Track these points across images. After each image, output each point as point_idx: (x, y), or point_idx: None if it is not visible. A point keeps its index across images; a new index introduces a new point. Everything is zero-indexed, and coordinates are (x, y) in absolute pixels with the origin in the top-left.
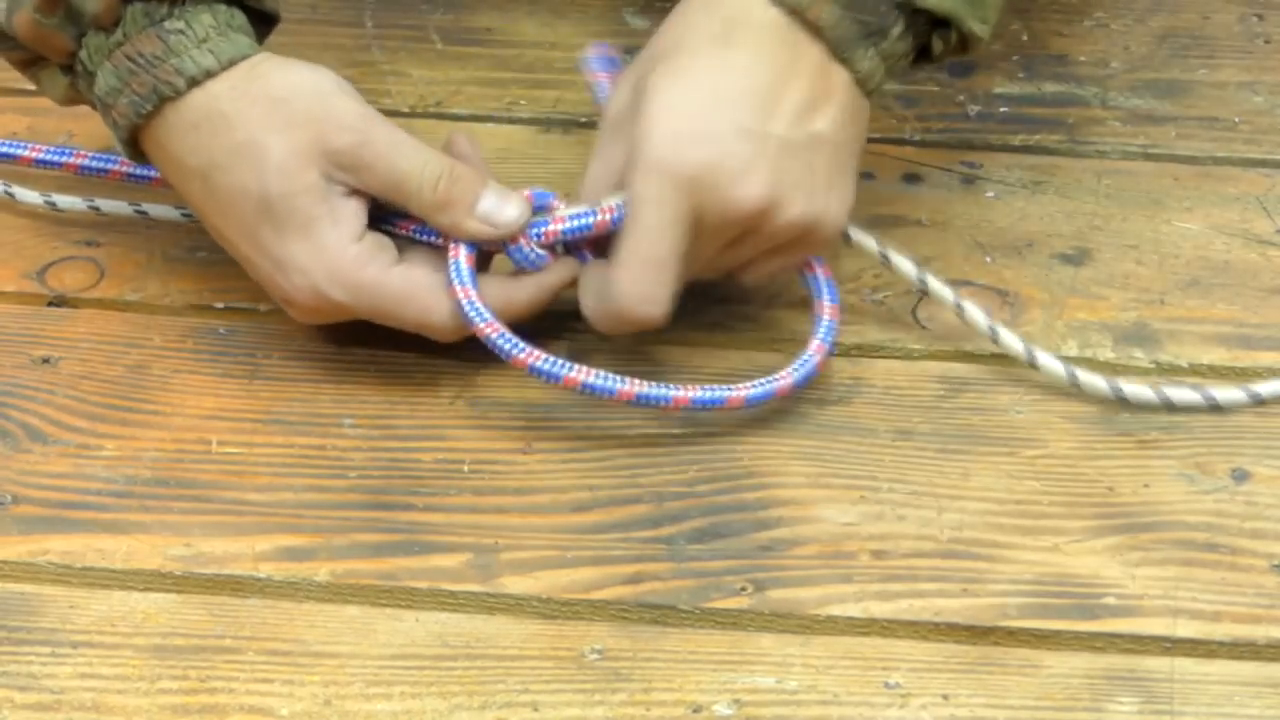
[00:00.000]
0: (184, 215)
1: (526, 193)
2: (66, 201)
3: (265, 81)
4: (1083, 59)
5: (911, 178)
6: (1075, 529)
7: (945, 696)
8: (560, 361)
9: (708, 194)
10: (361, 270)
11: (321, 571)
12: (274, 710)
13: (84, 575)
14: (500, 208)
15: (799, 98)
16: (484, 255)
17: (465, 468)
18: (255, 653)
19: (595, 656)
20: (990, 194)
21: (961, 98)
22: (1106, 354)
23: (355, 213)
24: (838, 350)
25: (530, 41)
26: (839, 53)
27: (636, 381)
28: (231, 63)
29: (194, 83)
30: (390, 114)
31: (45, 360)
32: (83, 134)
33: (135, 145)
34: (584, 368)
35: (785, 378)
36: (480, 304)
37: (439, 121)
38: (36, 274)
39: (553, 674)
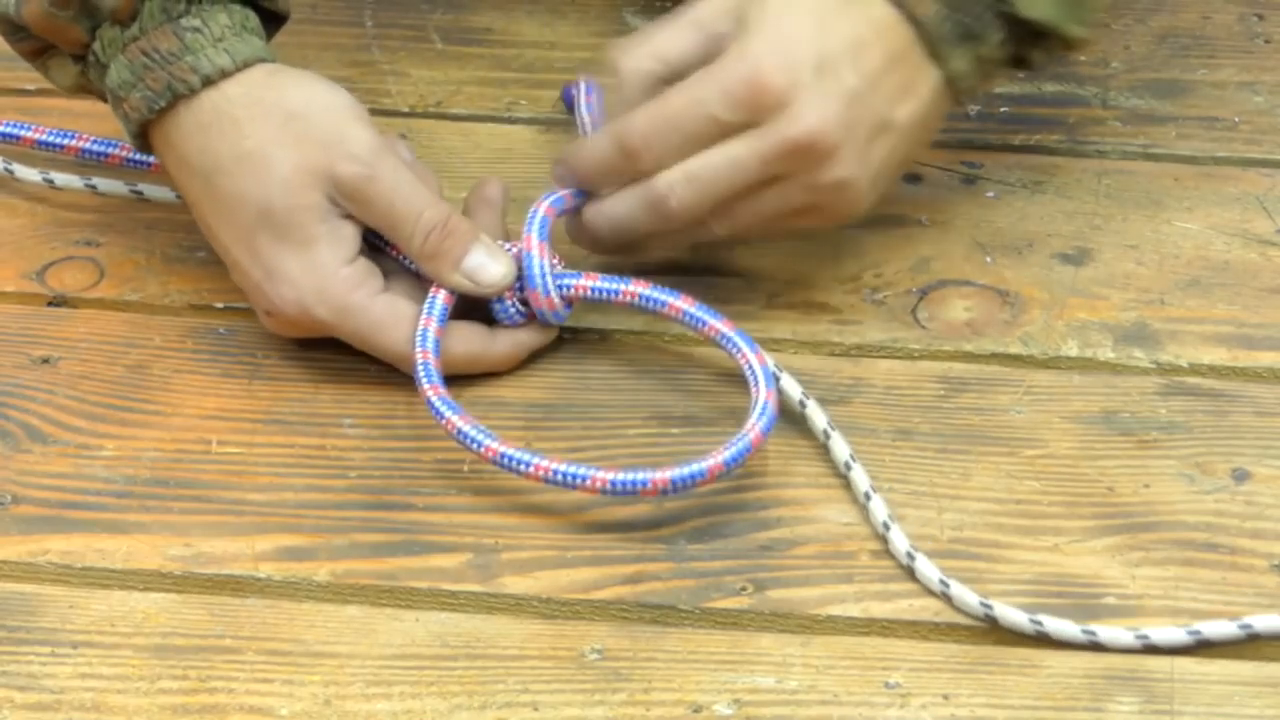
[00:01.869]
0: (179, 198)
1: (514, 249)
2: (64, 180)
3: (281, 93)
4: (1083, 59)
5: (911, 178)
6: (1075, 529)
7: (945, 696)
8: (477, 429)
9: (776, 104)
10: (349, 293)
11: (321, 571)
12: (274, 710)
13: (84, 575)
14: (487, 265)
15: (891, 77)
16: (475, 302)
17: (465, 468)
18: (255, 653)
19: (595, 656)
20: (990, 194)
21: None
22: (1107, 354)
23: (351, 236)
24: (839, 351)
25: (530, 41)
26: (935, 48)
27: (551, 459)
28: (246, 64)
29: (208, 82)
30: (390, 114)
31: (45, 360)
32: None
33: (144, 138)
34: (496, 442)
35: (716, 456)
36: (433, 335)
37: (439, 121)
38: (36, 274)
39: (553, 674)
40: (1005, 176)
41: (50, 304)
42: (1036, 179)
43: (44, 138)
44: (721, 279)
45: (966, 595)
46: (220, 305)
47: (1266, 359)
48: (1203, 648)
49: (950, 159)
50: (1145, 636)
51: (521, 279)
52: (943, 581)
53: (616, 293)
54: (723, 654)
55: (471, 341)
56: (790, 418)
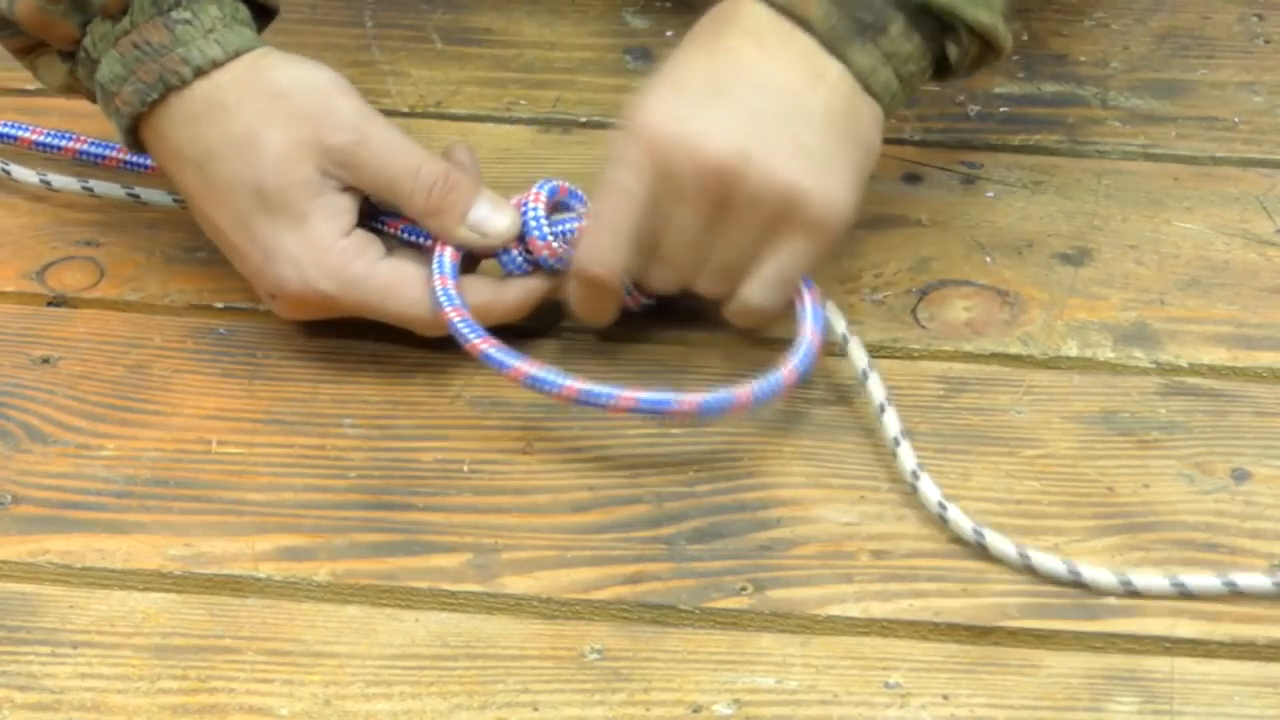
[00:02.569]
0: (176, 202)
1: (515, 200)
2: (61, 182)
3: (267, 75)
4: (1083, 59)
5: (911, 178)
6: (1075, 529)
7: (945, 696)
8: (511, 351)
9: (674, 146)
10: (350, 263)
11: (321, 571)
12: (274, 710)
13: (84, 575)
14: (492, 217)
15: (785, 75)
16: (472, 258)
17: (465, 468)
18: (255, 653)
19: (595, 656)
20: (990, 194)
21: (961, 98)
22: (1106, 354)
23: (347, 208)
24: (839, 351)
25: (530, 41)
26: (832, 47)
27: (581, 380)
28: (237, 54)
29: (200, 72)
30: (390, 114)
31: (45, 360)
32: (83, 133)
33: (135, 134)
34: (532, 360)
35: (747, 385)
36: (454, 291)
37: (439, 121)
38: (36, 274)
39: (553, 674)
40: (1005, 176)
41: (50, 304)
42: (1036, 179)
43: (42, 139)
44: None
45: (1002, 544)
46: (220, 305)
47: (1266, 359)
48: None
49: (950, 159)
50: (1077, 574)
51: (524, 231)
52: (976, 531)
53: None
54: (723, 654)
55: (482, 293)
56: (791, 417)
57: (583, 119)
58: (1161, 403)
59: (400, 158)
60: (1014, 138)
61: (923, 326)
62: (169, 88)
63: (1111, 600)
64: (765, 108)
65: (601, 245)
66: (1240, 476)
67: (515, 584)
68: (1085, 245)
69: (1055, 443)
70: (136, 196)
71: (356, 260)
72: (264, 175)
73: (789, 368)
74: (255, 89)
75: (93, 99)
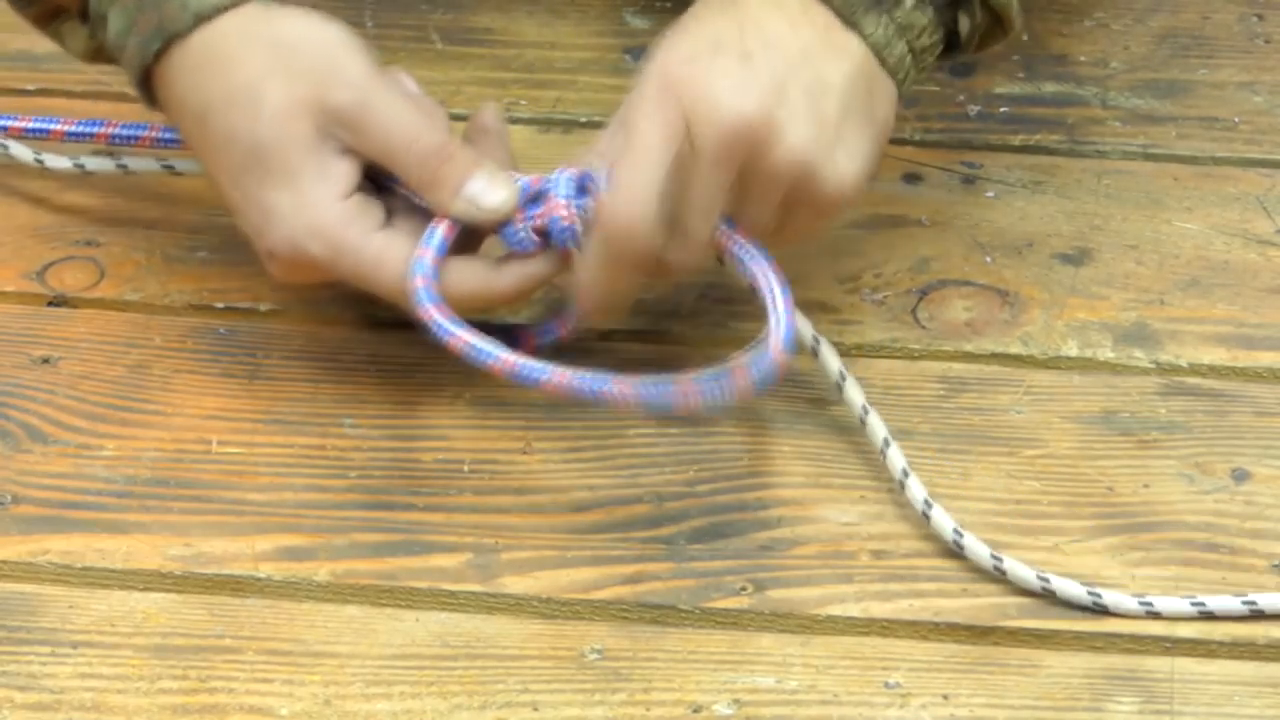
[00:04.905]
0: (164, 167)
1: (536, 176)
2: (53, 160)
3: (273, 25)
4: (1083, 59)
5: (911, 178)
6: (1075, 529)
7: (945, 696)
8: (462, 324)
9: (700, 104)
10: (344, 229)
11: (321, 571)
12: (274, 710)
13: (84, 575)
14: (488, 191)
15: (807, 44)
16: (475, 235)
17: (465, 468)
18: (255, 653)
19: (595, 656)
20: (990, 194)
21: (961, 98)
22: (1106, 354)
23: (347, 172)
24: (839, 351)
25: (530, 41)
26: (848, 19)
27: (571, 370)
28: (239, 0)
29: (201, 18)
30: None
31: (45, 360)
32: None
33: (149, 89)
34: (478, 333)
35: (739, 360)
36: (431, 264)
37: None
38: (36, 274)
39: (553, 674)
40: (1005, 176)
41: (50, 304)
42: (1036, 179)
43: (74, 129)
44: (722, 279)
45: (1020, 569)
46: (220, 305)
47: (1266, 359)
48: (1205, 619)
49: (950, 159)
50: (1149, 604)
51: (543, 195)
52: (994, 557)
53: None
54: (723, 654)
55: (473, 277)
56: (791, 418)
57: (583, 119)
58: (1161, 403)
59: (400, 125)
60: (1014, 138)
61: (923, 326)
62: (170, 36)
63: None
64: (788, 76)
65: (634, 197)
66: (1240, 476)
67: (515, 584)
68: (1085, 245)
69: (1055, 443)
70: (171, 167)
71: (350, 227)
72: (260, 130)
73: (743, 369)
74: (259, 39)
75: (117, 61)
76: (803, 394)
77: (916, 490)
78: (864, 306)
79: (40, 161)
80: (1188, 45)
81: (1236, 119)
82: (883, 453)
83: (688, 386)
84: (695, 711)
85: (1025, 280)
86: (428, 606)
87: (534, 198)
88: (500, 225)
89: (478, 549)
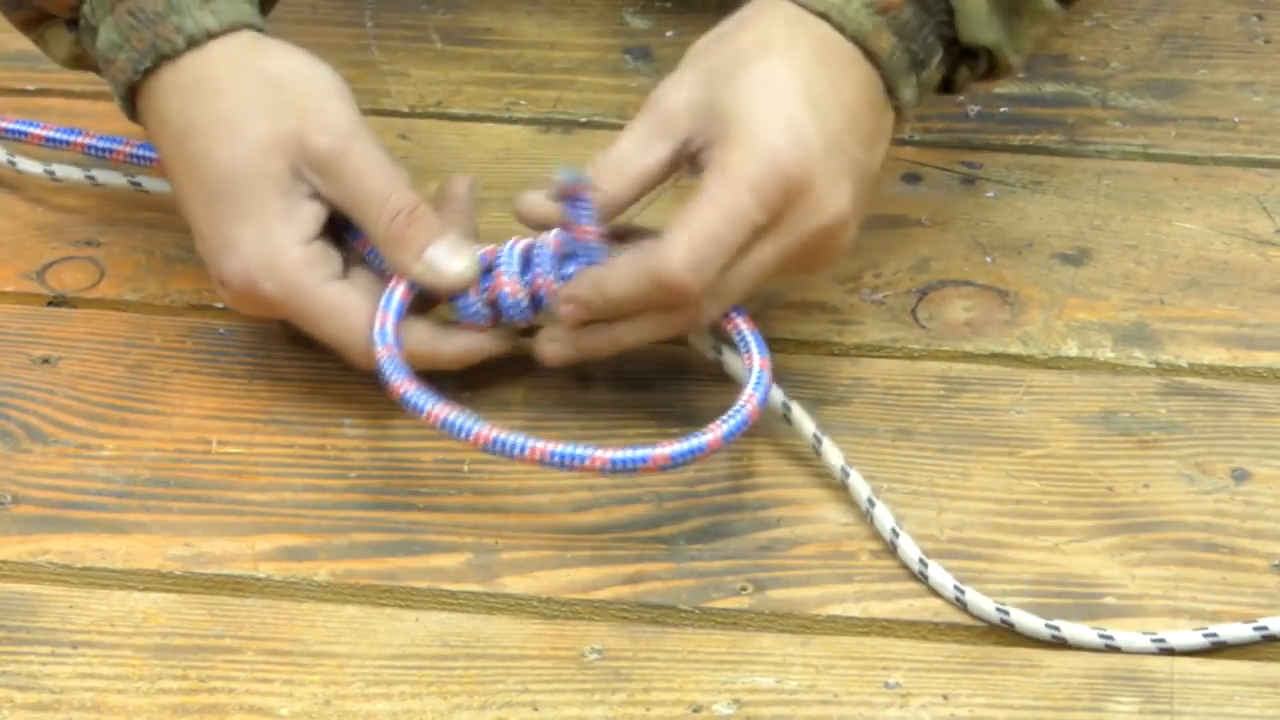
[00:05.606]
0: (132, 183)
1: (491, 249)
2: (65, 171)
3: (264, 60)
4: (1083, 59)
5: (911, 178)
6: (1075, 529)
7: (945, 696)
8: (431, 394)
9: (800, 194)
10: (300, 273)
11: (321, 571)
12: (274, 710)
13: (84, 575)
14: (449, 260)
15: (869, 126)
16: (431, 298)
17: (465, 468)
18: (255, 653)
19: (595, 656)
20: (990, 194)
21: (961, 98)
22: (1106, 354)
23: (312, 216)
24: (839, 351)
25: (530, 41)
26: (890, 81)
27: (548, 442)
28: (233, 26)
29: (193, 42)
30: (390, 114)
31: (45, 360)
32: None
33: (132, 103)
34: (450, 404)
35: (715, 430)
36: (391, 331)
37: (439, 121)
38: (36, 274)
39: (553, 674)
40: (1005, 176)
41: (50, 304)
42: (1036, 179)
43: (51, 134)
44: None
45: (982, 602)
46: (220, 305)
47: (1266, 359)
48: (1217, 650)
49: (950, 159)
50: (1161, 640)
51: (494, 269)
52: (957, 588)
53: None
54: (723, 654)
55: (421, 339)
56: (786, 415)
57: (583, 119)
58: (1161, 403)
59: (374, 179)
60: (1014, 138)
61: (923, 326)
62: (161, 57)
63: (1111, 600)
64: (861, 165)
65: (706, 257)
66: (1240, 476)
67: (515, 584)
68: (1085, 245)
69: (1055, 443)
70: (139, 184)
71: (306, 272)
72: (236, 160)
73: (752, 402)
74: (248, 71)
75: (97, 70)
76: (802, 394)
77: (885, 518)
78: (864, 306)
79: (51, 173)
80: (1188, 45)
81: (1236, 119)
82: (869, 512)
83: (661, 459)
84: (695, 711)
85: (1025, 280)
86: (427, 606)
87: (486, 269)
88: (454, 295)
89: (477, 549)
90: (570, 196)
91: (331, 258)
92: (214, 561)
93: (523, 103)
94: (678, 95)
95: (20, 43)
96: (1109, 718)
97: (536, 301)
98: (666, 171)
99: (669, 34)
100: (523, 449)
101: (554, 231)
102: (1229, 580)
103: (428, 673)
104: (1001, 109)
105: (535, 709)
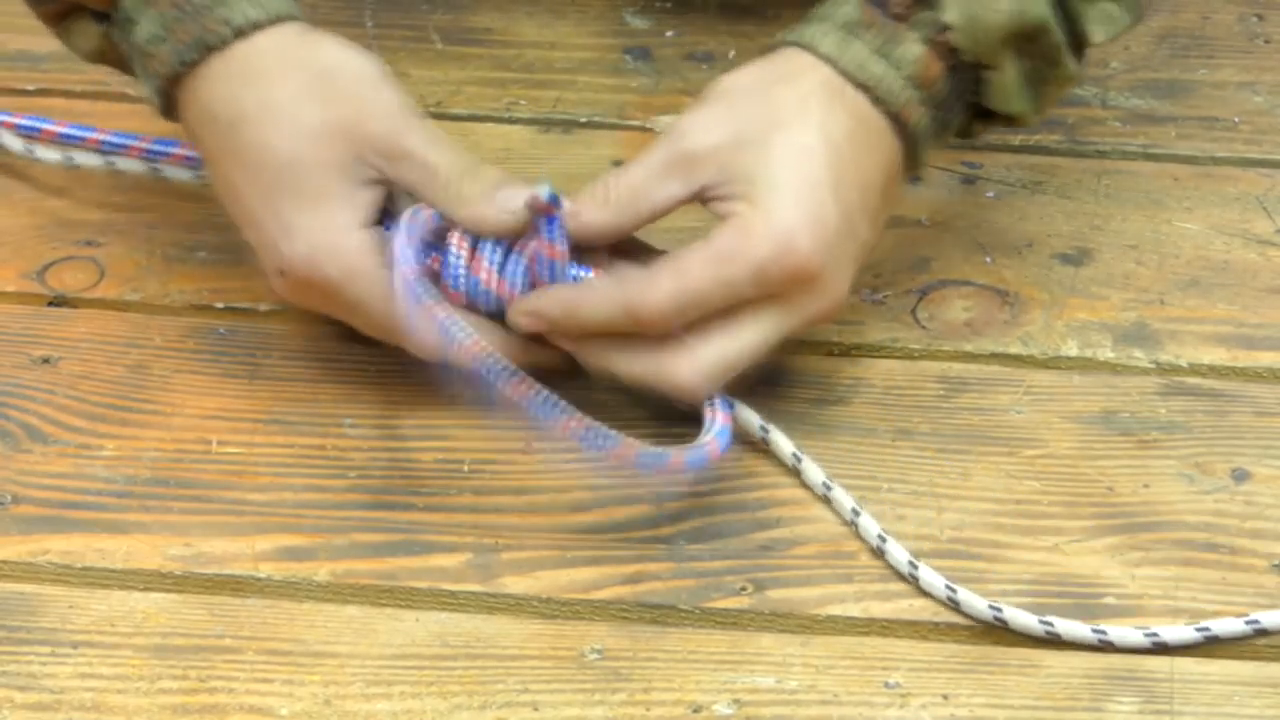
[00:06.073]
0: (198, 177)
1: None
2: (83, 158)
3: (314, 51)
4: None
5: (911, 178)
6: (1075, 529)
7: (945, 696)
8: (510, 370)
9: (807, 282)
10: (362, 256)
11: (321, 571)
12: (274, 710)
13: (84, 575)
14: (518, 196)
15: (882, 204)
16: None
17: (465, 468)
18: (255, 653)
19: (595, 656)
20: (990, 194)
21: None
22: (1106, 354)
23: (371, 202)
24: (839, 351)
25: (530, 41)
26: (914, 147)
27: (585, 418)
28: (278, 18)
29: (240, 33)
30: None
31: (45, 360)
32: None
33: (168, 96)
34: (534, 385)
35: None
36: (414, 255)
37: (439, 121)
38: (36, 274)
39: (553, 674)
40: (1005, 176)
41: (50, 304)
42: (1036, 179)
43: (66, 130)
44: None
45: (974, 600)
46: (220, 305)
47: (1266, 359)
48: (1210, 644)
49: (950, 159)
50: (1154, 634)
51: (476, 250)
52: (949, 587)
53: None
54: (723, 654)
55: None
56: (791, 418)
57: (583, 119)
58: (1161, 403)
59: (439, 152)
60: (1014, 138)
61: (923, 326)
62: (208, 48)
63: (1111, 600)
64: (868, 241)
65: (683, 306)
66: (1240, 476)
67: (515, 584)
68: (1085, 245)
69: (1055, 443)
70: (159, 170)
71: (368, 255)
72: (297, 149)
73: (680, 461)
74: (299, 62)
75: (122, 65)
76: (802, 395)
77: (870, 526)
78: (864, 306)
79: (70, 159)
80: (1188, 45)
81: (1236, 119)
82: (854, 522)
83: (628, 451)
84: (695, 711)
85: (1025, 280)
86: (428, 606)
87: (472, 246)
88: (458, 274)
89: (478, 549)
90: (542, 214)
91: (385, 245)
92: (214, 561)
93: (523, 103)
94: (704, 139)
95: (20, 42)
96: (1109, 718)
97: (500, 300)
98: (675, 208)
99: (669, 34)
100: (565, 414)
101: (535, 242)
102: (1229, 580)
103: (428, 673)
104: None
105: (535, 709)
